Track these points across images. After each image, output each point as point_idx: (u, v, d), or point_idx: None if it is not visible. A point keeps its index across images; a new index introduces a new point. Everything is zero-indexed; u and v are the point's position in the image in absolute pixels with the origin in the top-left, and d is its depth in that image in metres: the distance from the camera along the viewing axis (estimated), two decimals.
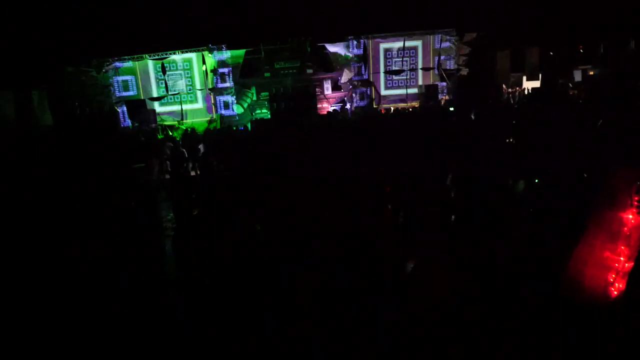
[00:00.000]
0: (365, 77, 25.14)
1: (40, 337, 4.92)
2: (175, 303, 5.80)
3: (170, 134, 22.24)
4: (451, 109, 18.94)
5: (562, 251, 4.59)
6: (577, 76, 23.21)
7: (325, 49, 24.86)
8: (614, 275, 4.14)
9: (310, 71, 25.04)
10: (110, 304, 5.43)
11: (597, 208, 4.20)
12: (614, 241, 4.07)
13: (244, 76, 24.87)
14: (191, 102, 25.03)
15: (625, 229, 3.97)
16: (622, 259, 4.11)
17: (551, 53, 24.12)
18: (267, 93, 24.67)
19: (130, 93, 24.02)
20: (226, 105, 24.35)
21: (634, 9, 19.73)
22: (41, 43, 19.52)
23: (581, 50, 24.55)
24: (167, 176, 11.96)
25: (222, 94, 24.44)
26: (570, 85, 22.45)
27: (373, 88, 25.43)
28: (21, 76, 18.61)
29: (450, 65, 25.09)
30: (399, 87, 25.86)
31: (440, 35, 24.81)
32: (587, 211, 4.30)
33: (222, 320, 5.20)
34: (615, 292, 4.34)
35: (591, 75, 23.19)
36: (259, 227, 7.10)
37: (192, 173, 13.52)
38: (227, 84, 24.40)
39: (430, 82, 25.40)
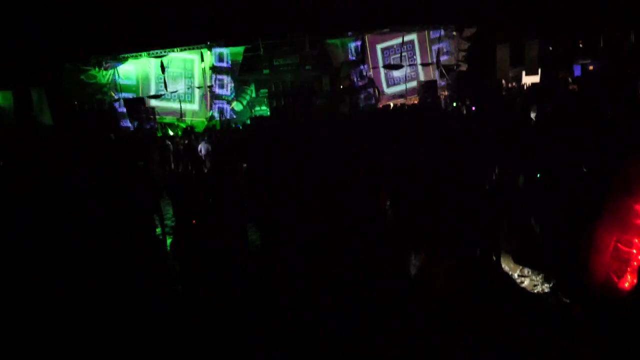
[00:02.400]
0: (366, 74, 25.05)
1: (39, 337, 4.88)
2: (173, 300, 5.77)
3: (170, 132, 22.20)
4: (454, 104, 18.90)
5: (575, 243, 4.56)
6: (577, 71, 23.17)
7: (325, 44, 24.68)
8: (628, 269, 4.10)
9: (309, 68, 25.00)
10: (108, 301, 5.39)
11: (611, 199, 4.16)
12: (627, 233, 4.04)
13: (243, 73, 24.78)
14: (190, 102, 24.85)
15: (639, 220, 3.93)
16: (634, 251, 4.08)
17: (550, 48, 24.07)
18: (266, 90, 24.65)
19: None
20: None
21: (633, 2, 19.70)
22: (39, 41, 19.40)
23: (581, 45, 24.50)
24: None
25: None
26: (570, 79, 22.40)
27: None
28: (20, 75, 18.50)
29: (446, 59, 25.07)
30: (398, 83, 25.85)
31: (440, 31, 24.72)
32: (601, 202, 4.26)
33: (222, 321, 5.15)
34: (628, 285, 4.30)
35: (591, 69, 23.16)
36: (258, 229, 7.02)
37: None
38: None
39: (431, 77, 25.33)
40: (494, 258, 6.24)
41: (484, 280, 5.81)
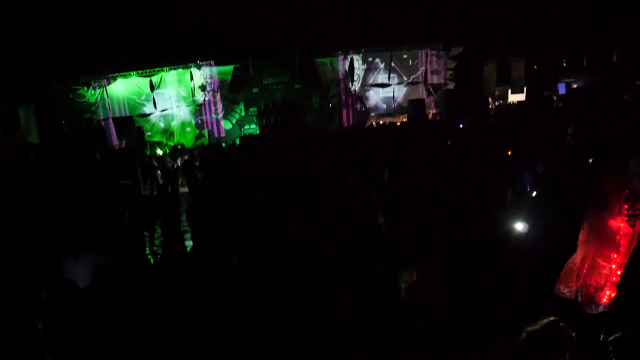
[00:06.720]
0: (353, 91, 25.27)
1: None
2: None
3: (158, 151, 22.12)
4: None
5: (555, 255, 4.59)
6: (562, 89, 23.59)
7: (314, 62, 24.86)
8: (607, 283, 4.13)
9: (298, 86, 25.19)
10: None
11: (589, 213, 4.20)
12: (605, 247, 4.07)
13: (233, 91, 24.86)
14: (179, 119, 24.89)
15: (617, 236, 3.97)
16: (613, 267, 4.10)
17: (535, 67, 24.52)
18: (255, 109, 24.73)
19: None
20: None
21: (615, 20, 20.18)
22: (29, 59, 19.39)
23: (564, 64, 24.98)
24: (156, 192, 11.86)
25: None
26: (555, 97, 22.76)
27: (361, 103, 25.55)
28: (8, 92, 18.43)
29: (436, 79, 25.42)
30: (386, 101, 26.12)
31: (427, 50, 25.12)
32: (580, 215, 4.30)
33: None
34: (605, 300, 4.32)
35: (575, 87, 23.59)
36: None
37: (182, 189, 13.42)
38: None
39: (419, 96, 25.63)
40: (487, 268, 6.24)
41: (477, 290, 5.81)
